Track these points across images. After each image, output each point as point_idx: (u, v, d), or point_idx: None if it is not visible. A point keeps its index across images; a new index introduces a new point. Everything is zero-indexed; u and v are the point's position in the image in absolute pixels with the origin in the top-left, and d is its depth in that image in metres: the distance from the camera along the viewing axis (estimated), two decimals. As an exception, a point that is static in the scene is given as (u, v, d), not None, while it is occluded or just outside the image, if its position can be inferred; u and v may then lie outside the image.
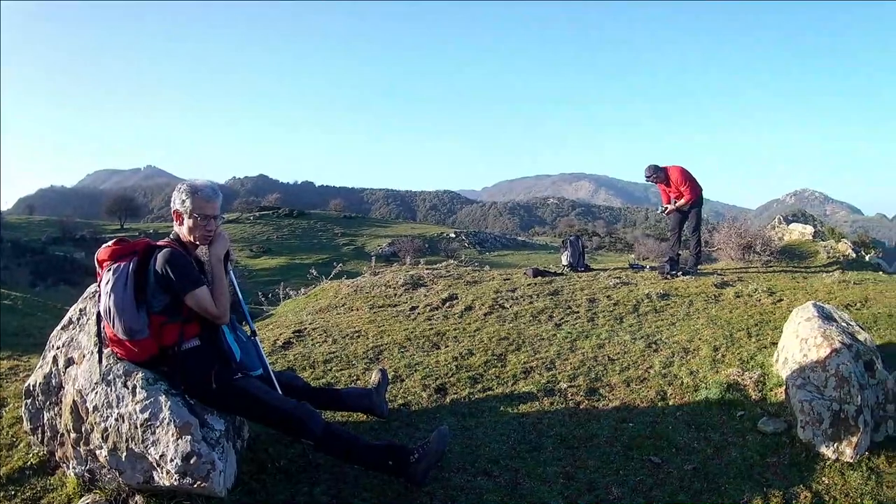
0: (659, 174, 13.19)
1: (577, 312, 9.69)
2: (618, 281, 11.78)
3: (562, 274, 12.85)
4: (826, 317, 6.99)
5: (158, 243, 4.66)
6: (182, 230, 4.73)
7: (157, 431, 4.34)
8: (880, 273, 14.81)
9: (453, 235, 62.26)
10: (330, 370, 7.36)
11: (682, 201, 13.01)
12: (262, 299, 17.66)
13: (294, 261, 48.97)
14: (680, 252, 13.75)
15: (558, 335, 8.57)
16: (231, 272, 5.11)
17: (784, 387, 6.46)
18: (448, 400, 6.56)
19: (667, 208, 13.26)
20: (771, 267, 14.76)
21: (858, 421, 5.59)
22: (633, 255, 38.10)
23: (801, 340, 6.56)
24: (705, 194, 13.37)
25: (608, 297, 10.56)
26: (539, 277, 12.02)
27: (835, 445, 5.58)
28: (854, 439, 5.54)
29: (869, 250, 22.08)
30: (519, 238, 74.21)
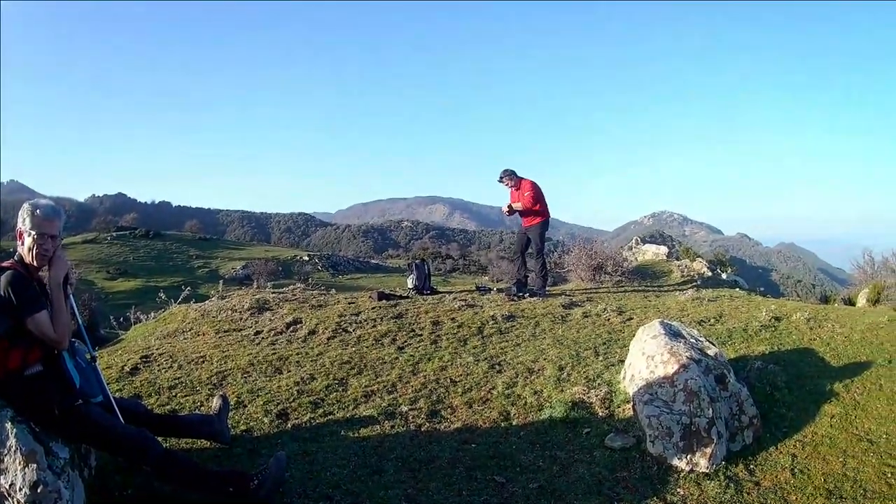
0: (513, 179, 13.45)
1: (421, 335, 9.70)
2: (463, 303, 11.81)
3: (407, 297, 12.82)
4: (673, 334, 7.22)
5: (2, 265, 4.41)
6: (23, 250, 4.52)
7: (6, 460, 4.10)
8: (737, 289, 15.32)
9: (307, 258, 62.03)
10: (175, 396, 7.14)
11: (520, 206, 13.24)
12: (114, 323, 17.32)
13: (150, 283, 47.16)
14: (528, 274, 13.89)
15: (400, 358, 8.59)
16: (71, 296, 4.84)
17: (632, 403, 6.61)
18: (290, 425, 6.43)
19: (511, 207, 13.38)
20: (622, 287, 15.19)
21: (711, 432, 5.81)
22: (486, 277, 38.58)
23: (648, 357, 6.74)
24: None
25: (453, 319, 10.57)
26: (384, 301, 12.07)
27: (688, 457, 5.76)
28: (708, 450, 5.75)
29: (725, 268, 22.98)
30: (372, 261, 74.53)
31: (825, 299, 25.81)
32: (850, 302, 22.39)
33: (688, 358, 6.41)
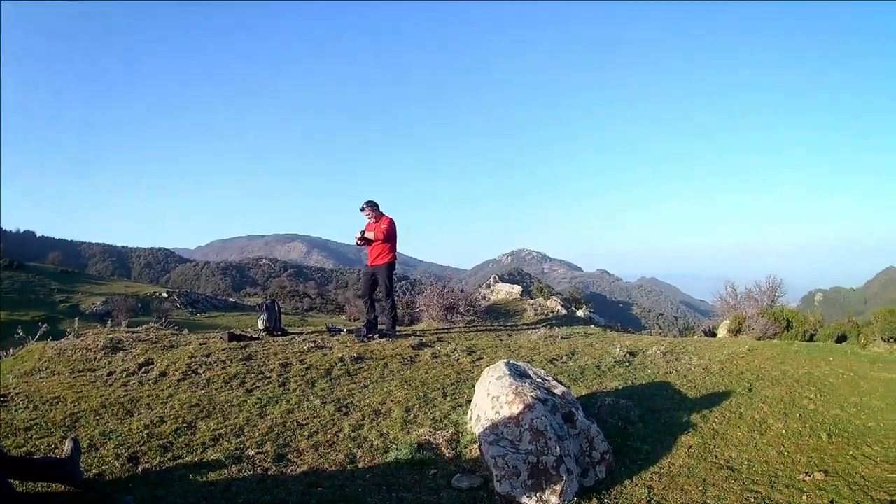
0: (375, 212, 13.43)
1: (269, 378, 9.51)
2: (313, 345, 11.66)
3: (258, 338, 12.56)
4: (519, 374, 7.32)
5: None
6: None
7: None
8: (592, 326, 15.57)
9: (165, 295, 60.84)
10: (30, 438, 6.80)
11: (374, 236, 13.19)
12: (-26, 361, 16.57)
13: (13, 317, 45.72)
14: (377, 315, 13.68)
15: (249, 401, 8.42)
16: None
17: (478, 443, 6.63)
18: (140, 469, 6.19)
19: (365, 237, 13.30)
20: (475, 326, 15.38)
21: (560, 470, 5.87)
22: (343, 317, 38.61)
23: (493, 398, 6.80)
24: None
25: (301, 361, 10.45)
26: (234, 342, 11.80)
27: (537, 495, 5.79)
28: (558, 487, 5.81)
29: (581, 306, 23.43)
30: (230, 299, 73.84)
31: (686, 331, 26.51)
32: (712, 333, 23.03)
33: (533, 398, 6.51)
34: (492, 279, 25.16)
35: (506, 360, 7.70)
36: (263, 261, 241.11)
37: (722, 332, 22.06)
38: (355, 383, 9.35)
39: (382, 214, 13.34)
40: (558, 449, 5.98)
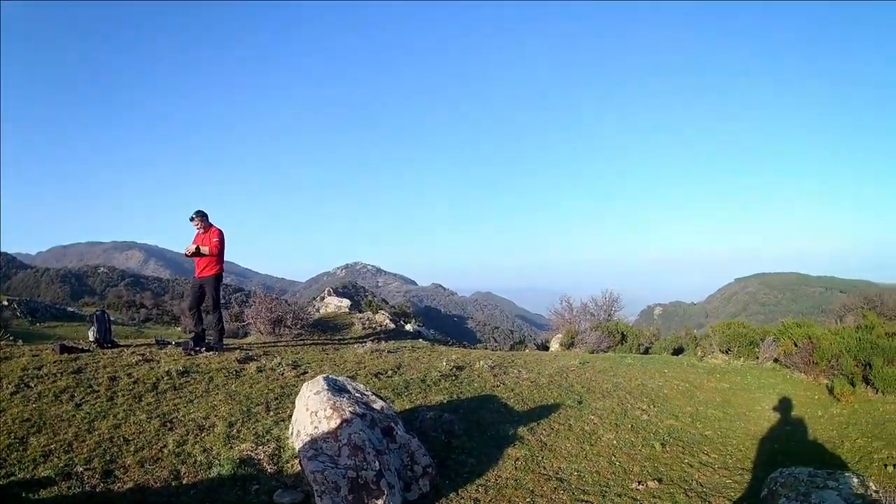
0: (204, 222, 13.27)
1: (98, 391, 9.21)
2: (141, 357, 11.40)
3: (89, 350, 12.15)
4: (337, 389, 7.45)
5: None
6: None
7: None
8: (420, 340, 15.70)
9: (6, 303, 58.03)
10: None
11: (206, 250, 13.00)
12: None
13: None
14: (204, 327, 13.49)
15: (78, 416, 8.17)
16: None
17: (299, 458, 6.70)
18: None
19: (192, 249, 13.08)
20: (302, 340, 15.39)
21: (381, 484, 6.02)
22: (179, 328, 38.13)
23: (312, 413, 6.89)
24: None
25: (129, 374, 10.16)
26: (66, 354, 11.41)
27: None
28: (379, 502, 5.97)
29: (409, 320, 23.61)
30: (69, 308, 71.14)
31: (517, 345, 26.98)
32: (545, 347, 23.50)
33: (351, 413, 6.65)
34: (326, 292, 24.95)
35: (324, 375, 7.81)
36: (101, 269, 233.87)
37: (554, 345, 22.59)
38: (181, 397, 9.21)
39: (211, 225, 13.15)
40: (378, 463, 6.12)
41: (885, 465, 9.82)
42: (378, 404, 7.32)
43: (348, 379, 8.03)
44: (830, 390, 15.29)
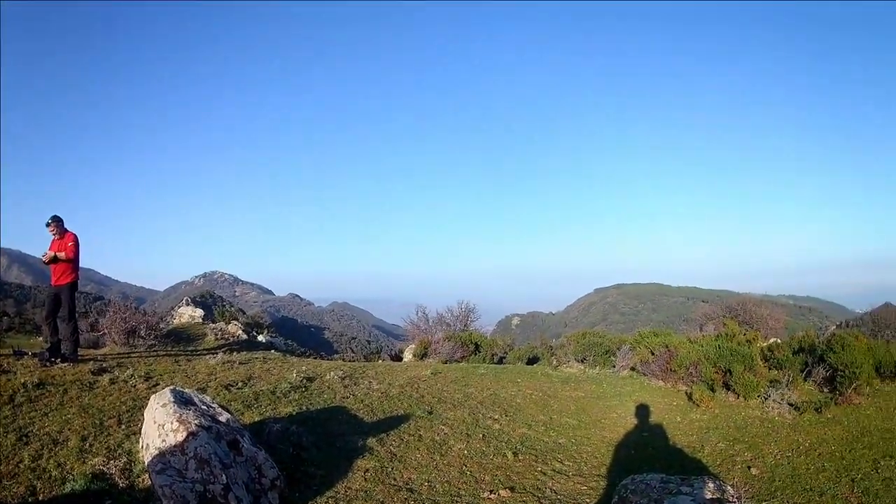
0: (60, 228, 13.18)
1: None
2: (-2, 369, 11.19)
3: (-59, 363, 11.88)
4: (184, 401, 7.58)
5: None
6: None
7: None
8: (272, 351, 15.91)
9: None
10: None
11: (63, 255, 12.94)
12: None
13: None
14: (60, 338, 13.36)
15: None
16: None
17: (148, 472, 6.81)
18: None
19: (50, 255, 12.97)
20: (156, 351, 15.54)
21: (229, 497, 6.24)
22: (41, 338, 37.12)
23: (159, 426, 7.01)
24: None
25: None
26: None
27: None
28: None
29: (262, 330, 23.77)
30: (-63, 318, 68.74)
31: (371, 356, 27.28)
32: (400, 357, 23.75)
33: (197, 425, 6.78)
34: (184, 301, 24.85)
35: (171, 387, 7.91)
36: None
37: (408, 355, 22.86)
38: (36, 410, 9.18)
39: (66, 231, 13.07)
40: (224, 477, 6.31)
41: (749, 468, 10.50)
42: (224, 416, 7.49)
43: (195, 391, 8.20)
44: (690, 396, 15.94)
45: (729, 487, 6.66)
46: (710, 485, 6.65)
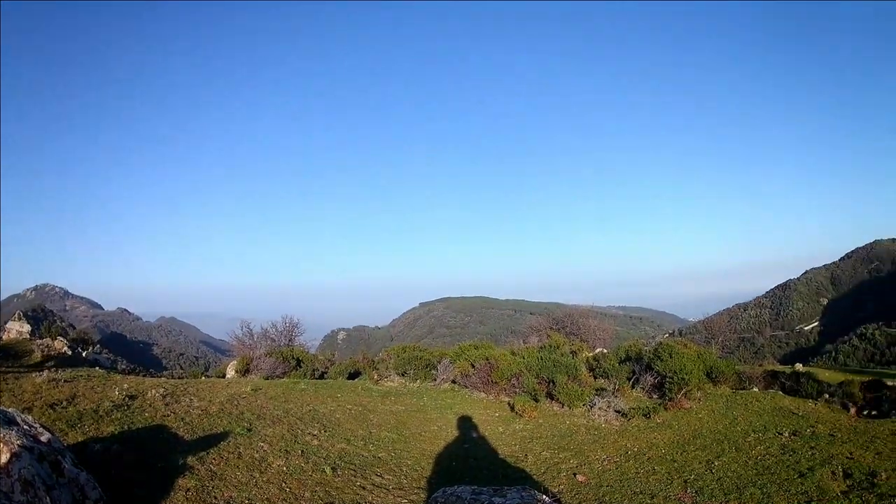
0: None
1: None
2: None
3: None
4: (7, 421, 7.43)
5: None
6: None
7: None
8: (96, 368, 15.62)
9: None
10: None
11: None
12: None
13: None
14: None
15: None
16: None
17: None
18: None
19: None
20: None
21: None
22: None
23: None
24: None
25: None
26: None
27: None
28: None
29: (87, 347, 23.31)
30: None
31: (195, 372, 27.00)
32: (222, 374, 23.59)
33: (20, 446, 6.63)
34: (15, 316, 24.05)
35: (-6, 408, 7.72)
36: None
37: (230, 372, 22.80)
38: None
39: None
40: (48, 499, 6.28)
41: (575, 475, 11.03)
42: (45, 437, 7.39)
43: (18, 411, 8.01)
44: (512, 407, 16.35)
45: (544, 496, 6.59)
46: (524, 493, 6.60)
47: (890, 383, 19.33)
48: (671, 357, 18.52)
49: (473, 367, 19.67)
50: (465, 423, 14.90)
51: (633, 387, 19.11)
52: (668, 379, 17.64)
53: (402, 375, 21.18)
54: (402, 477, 10.46)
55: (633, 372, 19.90)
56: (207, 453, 9.85)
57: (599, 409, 15.67)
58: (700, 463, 11.33)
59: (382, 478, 10.26)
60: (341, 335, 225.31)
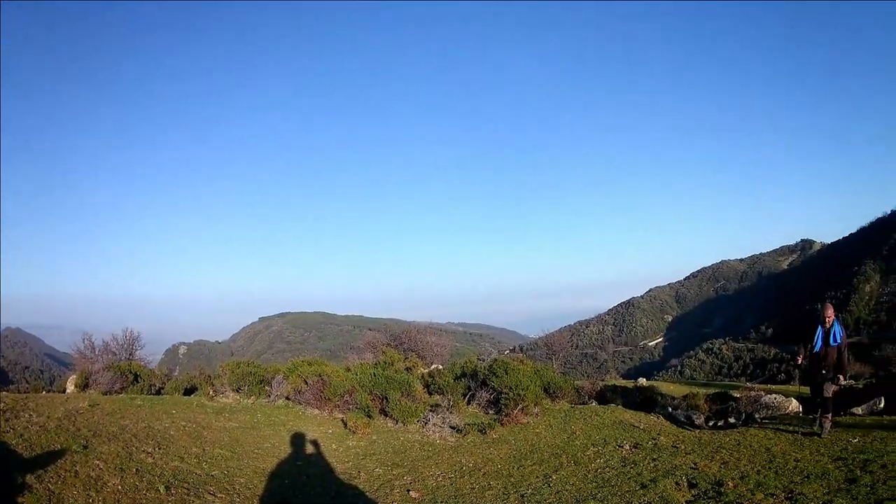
0: None
1: None
2: None
3: None
4: None
5: None
6: None
7: None
8: None
9: None
10: None
11: None
12: None
13: None
14: None
15: None
16: None
17: None
18: None
19: None
20: None
21: None
22: None
23: None
24: None
25: None
26: None
27: None
28: None
29: None
30: None
31: (40, 386, 26.72)
32: (63, 388, 23.48)
33: None
34: None
35: None
36: None
37: (70, 386, 22.57)
38: None
39: None
40: None
41: (409, 491, 11.53)
42: None
43: None
44: (346, 424, 16.83)
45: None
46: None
47: (736, 395, 20.67)
48: (506, 373, 19.33)
49: (307, 383, 20.09)
50: (299, 440, 15.24)
51: (468, 403, 19.83)
52: (503, 395, 18.38)
53: (237, 391, 21.42)
54: (235, 495, 10.76)
55: (469, 388, 20.57)
56: (45, 471, 9.85)
57: (434, 424, 16.21)
58: (537, 477, 11.88)
59: (215, 496, 10.51)
60: (182, 349, 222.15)
